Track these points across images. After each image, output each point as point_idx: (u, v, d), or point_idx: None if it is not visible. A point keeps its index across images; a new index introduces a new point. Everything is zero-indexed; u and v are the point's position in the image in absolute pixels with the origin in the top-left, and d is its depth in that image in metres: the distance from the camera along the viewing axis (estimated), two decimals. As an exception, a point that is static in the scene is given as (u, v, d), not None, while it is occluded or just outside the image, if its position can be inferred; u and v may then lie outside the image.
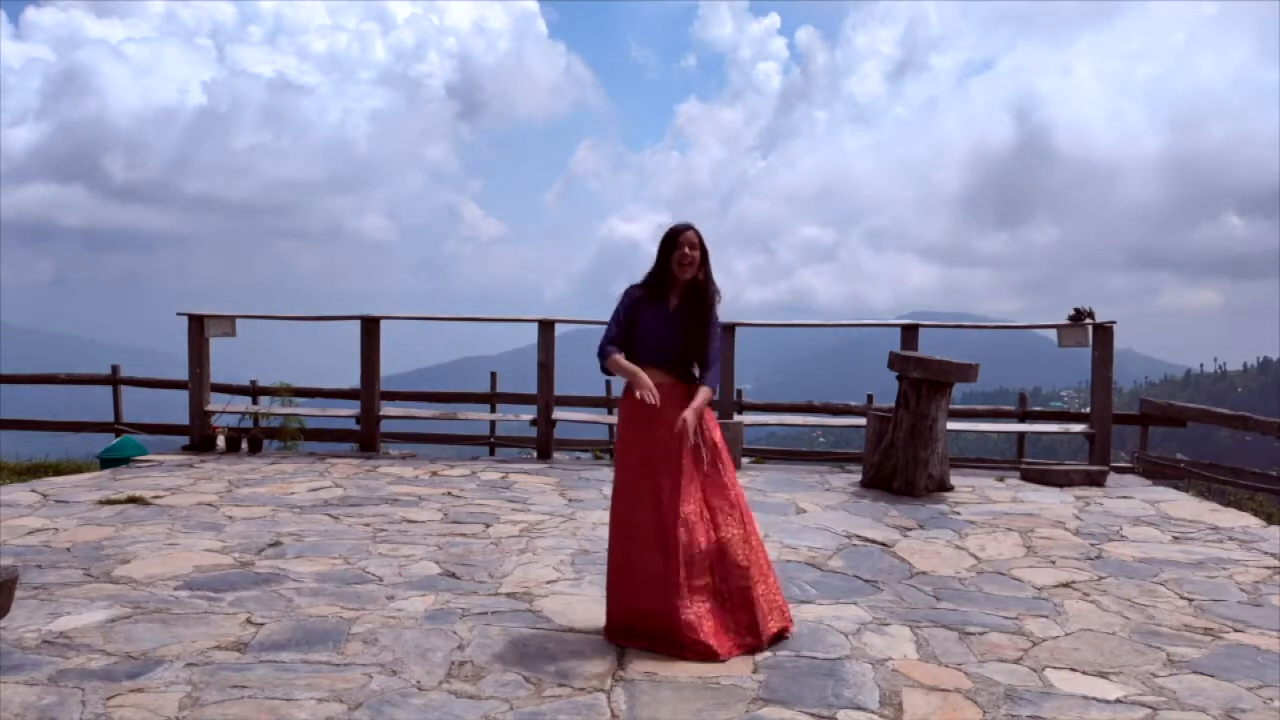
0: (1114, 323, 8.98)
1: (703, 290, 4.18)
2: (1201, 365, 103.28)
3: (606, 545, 4.24)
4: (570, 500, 7.17)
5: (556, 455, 9.70)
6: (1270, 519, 7.37)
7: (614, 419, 10.78)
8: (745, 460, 9.24)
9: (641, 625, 4.01)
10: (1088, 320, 9.02)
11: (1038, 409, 11.86)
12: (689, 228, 4.15)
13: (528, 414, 10.05)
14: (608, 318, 4.23)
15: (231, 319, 9.68)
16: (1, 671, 3.56)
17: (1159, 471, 9.37)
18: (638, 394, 4.02)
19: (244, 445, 9.62)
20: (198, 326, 9.57)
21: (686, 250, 4.10)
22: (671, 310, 4.16)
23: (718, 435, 4.22)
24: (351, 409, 10.23)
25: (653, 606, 3.97)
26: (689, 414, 4.02)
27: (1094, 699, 3.52)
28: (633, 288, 4.23)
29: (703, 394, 4.13)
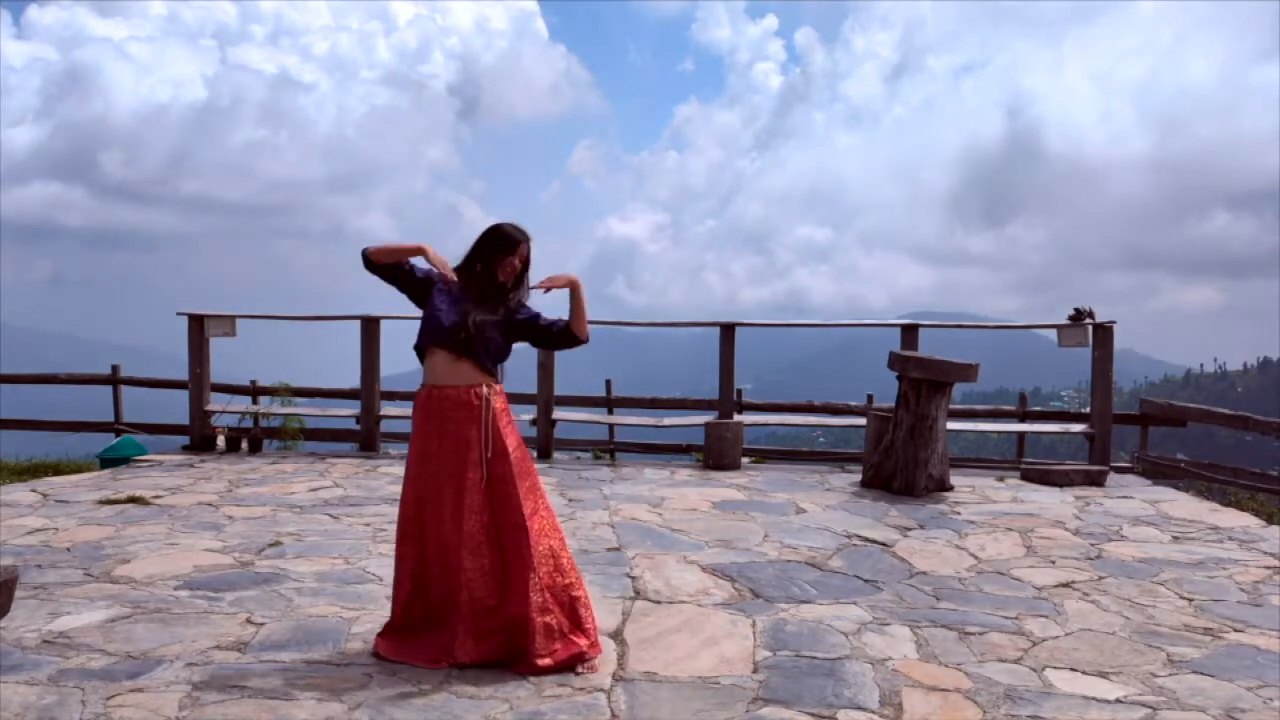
0: (1114, 323, 8.98)
1: (505, 292, 3.89)
2: (1201, 365, 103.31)
3: (466, 548, 3.73)
4: (570, 500, 7.16)
5: (556, 455, 9.69)
6: (1270, 519, 7.37)
7: (615, 419, 10.78)
8: (745, 460, 9.24)
9: (416, 639, 3.79)
10: (1088, 320, 9.02)
11: (1038, 409, 11.85)
12: (528, 240, 3.85)
13: (528, 414, 10.05)
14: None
15: (231, 319, 9.68)
16: (1, 671, 3.56)
17: (1159, 471, 9.37)
18: (439, 273, 3.81)
19: (244, 445, 9.63)
20: (198, 326, 9.57)
21: (517, 263, 3.85)
22: (471, 295, 3.86)
23: (512, 443, 3.82)
24: (351, 409, 10.22)
25: (431, 627, 3.79)
26: (559, 279, 3.92)
27: (1094, 699, 3.52)
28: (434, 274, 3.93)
29: (575, 288, 3.95)
